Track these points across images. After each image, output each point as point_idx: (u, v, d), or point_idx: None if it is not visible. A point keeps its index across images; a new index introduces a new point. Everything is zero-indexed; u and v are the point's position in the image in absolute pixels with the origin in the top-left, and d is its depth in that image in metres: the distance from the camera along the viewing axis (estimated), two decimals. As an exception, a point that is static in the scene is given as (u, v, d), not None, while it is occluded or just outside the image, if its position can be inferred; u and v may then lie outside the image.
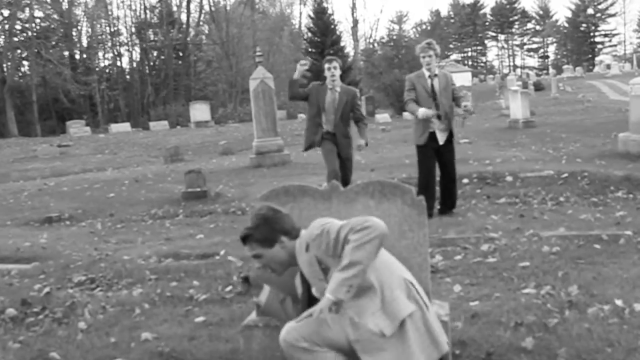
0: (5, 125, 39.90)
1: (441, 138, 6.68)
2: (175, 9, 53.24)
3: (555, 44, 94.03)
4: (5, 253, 6.53)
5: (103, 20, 52.33)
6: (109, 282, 4.89)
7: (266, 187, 4.65)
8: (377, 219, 2.43)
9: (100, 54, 53.41)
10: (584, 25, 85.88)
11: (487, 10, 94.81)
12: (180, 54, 52.36)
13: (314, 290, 2.63)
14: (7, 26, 42.76)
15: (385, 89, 29.18)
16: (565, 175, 8.58)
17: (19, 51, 44.66)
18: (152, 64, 52.84)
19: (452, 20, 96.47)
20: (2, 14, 42.63)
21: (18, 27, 44.37)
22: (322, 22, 42.84)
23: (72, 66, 46.92)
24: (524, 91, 18.74)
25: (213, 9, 54.29)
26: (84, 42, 51.90)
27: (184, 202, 9.58)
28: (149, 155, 21.05)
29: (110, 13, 52.85)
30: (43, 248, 6.68)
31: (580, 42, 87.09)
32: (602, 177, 8.37)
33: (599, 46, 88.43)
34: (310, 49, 42.82)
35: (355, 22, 66.10)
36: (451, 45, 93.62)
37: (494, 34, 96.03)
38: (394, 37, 40.05)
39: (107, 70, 53.21)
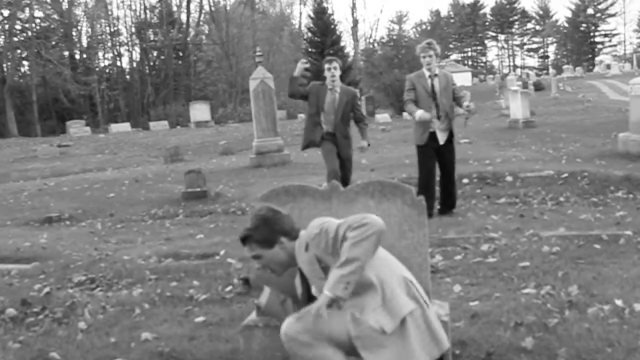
0: (5, 125, 39.91)
1: (441, 138, 6.68)
2: (175, 9, 53.28)
3: (555, 44, 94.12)
4: (5, 253, 6.53)
5: (103, 20, 52.36)
6: (109, 282, 4.89)
7: (266, 187, 4.65)
8: (375, 216, 2.43)
9: (100, 54, 53.53)
10: (584, 25, 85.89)
11: (487, 10, 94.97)
12: (180, 54, 52.36)
13: (313, 290, 2.64)
14: (7, 26, 42.77)
15: (385, 89, 29.17)
16: (565, 175, 8.58)
17: (19, 51, 44.67)
18: (152, 64, 52.85)
19: (452, 20, 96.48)
20: (2, 14, 42.69)
21: (18, 27, 44.40)
22: (322, 22, 42.87)
23: (72, 66, 46.92)
24: (524, 91, 18.74)
25: (213, 9, 54.30)
26: (84, 42, 52.00)
27: (184, 202, 9.58)
28: (149, 155, 21.06)
29: (110, 13, 52.92)
30: (43, 248, 6.68)
31: (580, 42, 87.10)
32: (602, 177, 8.37)
33: (599, 46, 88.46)
34: (310, 49, 42.83)
35: (355, 22, 66.17)
36: (451, 45, 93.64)
37: (494, 34, 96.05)
38: (394, 37, 40.05)
39: (107, 70, 53.22)
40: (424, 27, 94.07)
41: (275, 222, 2.59)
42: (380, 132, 19.84)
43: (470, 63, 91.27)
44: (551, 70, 59.79)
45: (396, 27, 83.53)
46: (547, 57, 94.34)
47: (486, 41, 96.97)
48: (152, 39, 52.76)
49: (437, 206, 6.90)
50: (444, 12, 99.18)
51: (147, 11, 52.45)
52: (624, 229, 5.29)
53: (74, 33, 49.82)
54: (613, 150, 10.83)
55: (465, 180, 8.72)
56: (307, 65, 7.32)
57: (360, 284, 2.42)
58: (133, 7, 68.67)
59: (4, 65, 43.30)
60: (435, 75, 6.66)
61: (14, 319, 3.98)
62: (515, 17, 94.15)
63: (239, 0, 54.67)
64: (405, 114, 23.33)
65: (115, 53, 53.68)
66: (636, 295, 3.52)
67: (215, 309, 3.97)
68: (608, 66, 53.85)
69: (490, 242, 5.07)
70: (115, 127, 33.61)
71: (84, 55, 51.29)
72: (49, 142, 26.95)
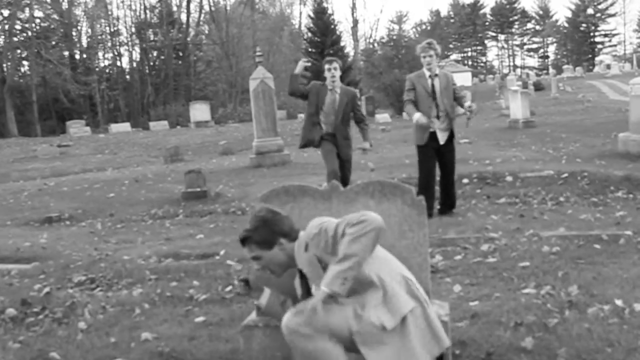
0: (5, 125, 39.91)
1: (442, 138, 6.67)
2: (175, 9, 53.29)
3: (555, 44, 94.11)
4: (5, 253, 6.53)
5: (103, 20, 52.37)
6: (109, 282, 4.89)
7: (266, 187, 4.65)
8: (374, 214, 2.43)
9: (100, 54, 53.53)
10: (584, 25, 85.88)
11: (487, 10, 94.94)
12: (180, 54, 52.37)
13: (314, 290, 2.64)
14: (7, 26, 42.76)
15: (385, 89, 29.18)
16: (565, 175, 8.58)
17: (19, 51, 44.67)
18: (152, 64, 52.85)
19: (452, 20, 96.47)
20: (2, 14, 42.68)
21: (18, 27, 44.39)
22: (322, 22, 42.87)
23: (72, 66, 46.91)
24: (524, 91, 18.74)
25: (213, 9, 54.31)
26: (84, 42, 52.00)
27: (184, 202, 9.58)
28: (149, 155, 21.06)
29: (110, 13, 52.92)
30: (43, 248, 6.68)
31: (580, 42, 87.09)
32: (602, 177, 8.37)
33: (599, 46, 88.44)
34: (310, 49, 42.83)
35: (355, 22, 66.16)
36: (451, 45, 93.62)
37: (494, 34, 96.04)
38: (394, 37, 40.03)
39: (107, 70, 53.22)
40: (424, 27, 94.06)
41: (274, 224, 2.59)
42: (380, 132, 19.85)
43: (470, 63, 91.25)
44: (551, 70, 59.80)
45: (396, 27, 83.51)
46: (547, 57, 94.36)
47: (486, 41, 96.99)
48: (152, 39, 52.77)
49: (437, 206, 6.90)
50: (444, 12, 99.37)
51: (147, 11, 52.53)
52: (624, 229, 5.29)
53: (74, 33, 49.83)
54: (613, 150, 10.82)
55: (465, 180, 8.72)
56: (308, 64, 7.30)
57: (361, 282, 2.43)
58: (133, 7, 68.80)
59: (4, 65, 43.30)
60: (436, 75, 6.66)
61: (14, 319, 3.98)
62: (515, 17, 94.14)
63: (239, 0, 54.68)
64: (405, 114, 23.33)
65: (115, 53, 53.79)
66: (636, 295, 3.52)
67: (215, 309, 3.97)
68: (608, 66, 53.84)
69: (490, 242, 5.07)
70: (115, 127, 33.62)
71: (84, 55, 51.30)
72: (49, 142, 26.95)
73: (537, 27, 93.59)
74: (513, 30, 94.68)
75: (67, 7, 48.23)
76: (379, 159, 12.35)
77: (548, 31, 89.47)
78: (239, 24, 51.76)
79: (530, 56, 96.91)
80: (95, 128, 37.19)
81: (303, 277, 2.68)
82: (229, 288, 4.36)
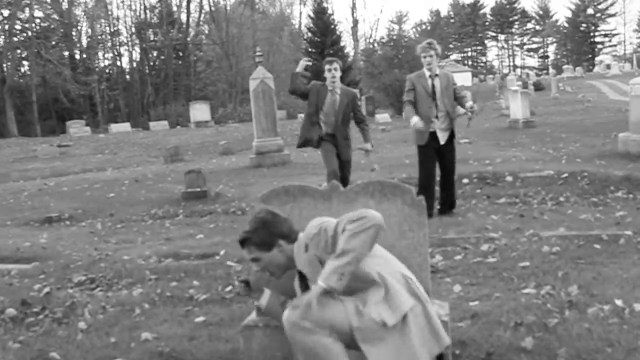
0: (5, 125, 39.90)
1: (442, 138, 6.67)
2: (175, 9, 53.28)
3: (555, 44, 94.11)
4: (5, 253, 6.53)
5: (103, 20, 52.36)
6: (109, 282, 4.89)
7: (266, 187, 4.65)
8: (373, 211, 2.44)
9: (100, 54, 53.53)
10: (584, 25, 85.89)
11: (487, 10, 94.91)
12: (180, 54, 52.36)
13: (313, 290, 2.64)
14: (7, 26, 42.76)
15: (385, 89, 29.18)
16: (565, 175, 8.58)
17: (19, 51, 44.67)
18: (152, 64, 52.84)
19: (452, 20, 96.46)
20: (2, 14, 42.67)
21: (18, 27, 44.38)
22: (322, 22, 42.86)
23: (72, 66, 46.90)
24: (524, 91, 18.74)
25: (213, 9, 54.30)
26: (84, 42, 51.98)
27: (184, 202, 9.58)
28: (149, 155, 21.06)
29: (110, 13, 52.90)
30: (43, 248, 6.68)
31: (580, 42, 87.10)
32: (602, 177, 8.37)
33: (599, 46, 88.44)
34: (310, 49, 42.82)
35: (355, 22, 66.12)
36: (451, 45, 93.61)
37: (494, 34, 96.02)
38: (394, 37, 40.04)
39: (107, 70, 53.22)
40: (424, 27, 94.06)
41: (273, 225, 2.59)
42: (380, 132, 19.84)
43: (470, 63, 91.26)
44: (551, 70, 59.80)
45: (396, 27, 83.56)
46: (547, 57, 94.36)
47: (486, 41, 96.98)
48: (152, 39, 52.75)
49: (437, 206, 6.90)
50: (444, 12, 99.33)
51: (147, 11, 52.52)
52: (624, 229, 5.29)
53: (74, 33, 49.82)
54: (613, 150, 10.82)
55: (465, 180, 8.72)
56: (310, 63, 7.30)
57: (362, 280, 2.44)
58: (133, 7, 68.82)
59: (4, 65, 43.29)
60: (436, 75, 6.66)
61: (14, 319, 3.98)
62: (515, 17, 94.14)
63: (239, 0, 54.67)
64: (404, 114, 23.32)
65: (115, 53, 53.78)
66: (636, 295, 3.52)
67: (215, 309, 3.97)
68: (608, 66, 53.85)
69: (490, 242, 5.08)
70: (115, 127, 33.61)
71: (84, 55, 51.29)
72: (49, 142, 26.95)
73: (537, 27, 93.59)
74: (513, 30, 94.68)
75: (67, 7, 48.23)
76: (379, 159, 12.34)
77: (548, 31, 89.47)
78: (239, 24, 51.75)
79: (530, 56, 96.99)
80: (95, 128, 37.18)
81: (302, 278, 2.67)
82: (229, 288, 4.36)
